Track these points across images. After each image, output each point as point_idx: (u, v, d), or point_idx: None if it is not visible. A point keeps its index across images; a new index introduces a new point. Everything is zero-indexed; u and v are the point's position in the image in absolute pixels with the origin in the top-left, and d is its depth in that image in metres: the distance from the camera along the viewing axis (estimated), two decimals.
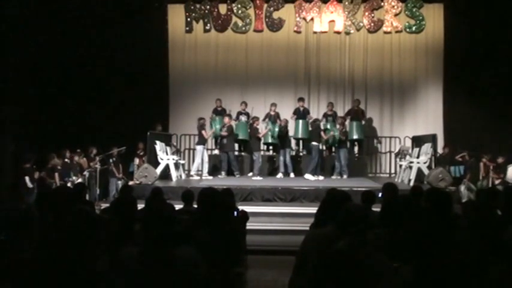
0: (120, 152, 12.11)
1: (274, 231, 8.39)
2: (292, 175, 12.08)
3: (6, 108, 11.19)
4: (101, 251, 3.07)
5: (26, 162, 10.04)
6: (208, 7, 14.33)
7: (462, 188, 11.54)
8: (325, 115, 12.92)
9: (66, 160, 11.01)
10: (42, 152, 10.80)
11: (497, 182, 10.91)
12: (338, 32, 14.26)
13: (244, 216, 5.43)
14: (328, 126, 12.34)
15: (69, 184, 10.19)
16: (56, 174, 10.52)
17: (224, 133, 11.83)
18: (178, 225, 3.20)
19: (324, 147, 12.87)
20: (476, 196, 6.93)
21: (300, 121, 12.57)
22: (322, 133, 11.98)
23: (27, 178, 9.80)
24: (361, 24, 14.15)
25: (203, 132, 12.02)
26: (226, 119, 12.00)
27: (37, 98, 11.88)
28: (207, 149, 12.79)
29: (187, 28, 14.42)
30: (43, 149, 10.95)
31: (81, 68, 13.01)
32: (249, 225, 5.81)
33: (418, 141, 12.46)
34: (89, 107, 12.92)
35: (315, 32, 14.28)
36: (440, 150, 12.27)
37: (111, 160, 11.92)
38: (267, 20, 14.30)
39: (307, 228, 4.29)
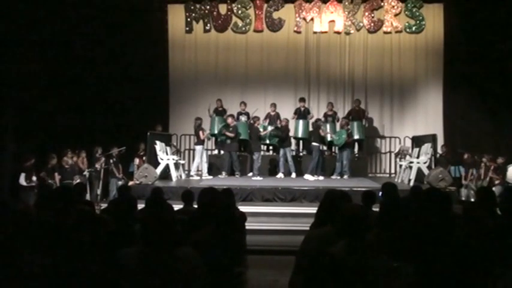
0: (121, 152, 12.11)
1: (274, 231, 8.39)
2: (293, 175, 12.06)
3: (8, 109, 11.22)
4: (100, 251, 3.07)
5: (25, 161, 10.03)
6: (208, 7, 14.34)
7: (465, 191, 11.51)
8: (326, 115, 12.93)
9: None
10: (42, 152, 10.79)
11: (497, 182, 10.90)
12: (338, 32, 14.27)
13: (243, 216, 5.43)
14: (328, 126, 12.35)
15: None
16: (56, 174, 10.52)
17: (230, 134, 11.77)
18: (177, 225, 3.20)
19: (325, 148, 12.87)
20: (476, 196, 6.93)
21: (301, 121, 12.58)
22: (320, 131, 11.94)
23: (22, 175, 9.77)
24: (361, 24, 14.16)
25: (200, 133, 12.02)
26: (230, 120, 11.94)
27: (38, 98, 11.87)
28: (206, 149, 12.79)
29: (187, 28, 14.43)
30: (43, 150, 10.94)
31: (82, 68, 13.00)
32: (249, 225, 5.81)
33: (418, 141, 12.47)
34: (89, 107, 12.92)
35: (315, 32, 14.29)
36: (439, 150, 12.27)
37: (111, 160, 11.92)
38: (267, 20, 14.31)
39: (307, 228, 4.28)
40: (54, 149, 10.96)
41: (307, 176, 11.55)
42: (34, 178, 9.96)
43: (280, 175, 12.04)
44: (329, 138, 12.14)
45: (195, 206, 5.07)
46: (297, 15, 14.28)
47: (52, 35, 12.32)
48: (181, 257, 2.88)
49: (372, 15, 14.19)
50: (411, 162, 11.53)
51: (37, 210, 4.16)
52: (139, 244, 2.95)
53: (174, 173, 11.63)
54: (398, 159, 12.81)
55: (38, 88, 11.96)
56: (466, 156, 12.07)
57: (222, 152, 12.71)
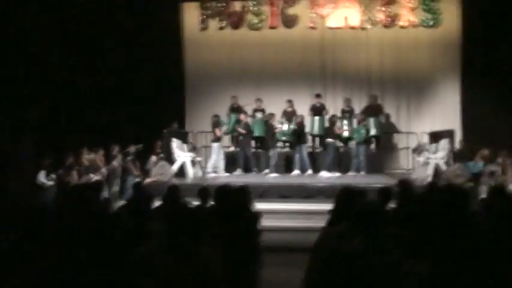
0: (138, 150, 12.19)
1: (290, 229, 8.38)
2: (310, 171, 12.01)
3: (28, 108, 11.36)
4: (116, 247, 3.11)
5: (44, 159, 10.17)
6: (223, 4, 14.35)
7: (483, 188, 11.32)
8: (343, 111, 12.86)
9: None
10: (59, 150, 10.91)
11: None
12: (354, 28, 14.15)
13: (257, 214, 5.43)
14: (345, 122, 12.27)
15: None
16: (74, 173, 10.62)
17: (241, 130, 11.84)
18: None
19: (341, 144, 12.80)
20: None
21: (316, 117, 12.52)
22: (335, 128, 11.89)
23: (42, 173, 9.91)
24: (377, 19, 14.02)
25: (216, 130, 12.07)
26: (242, 116, 12.01)
27: (56, 97, 12.01)
28: (223, 146, 12.83)
29: (203, 26, 14.46)
30: (60, 148, 11.06)
31: (99, 66, 13.11)
32: (264, 223, 5.80)
33: (435, 137, 12.33)
34: (106, 105, 13.03)
35: (330, 28, 14.20)
36: (457, 145, 12.12)
37: (128, 158, 12.01)
38: (282, 16, 14.26)
39: (323, 225, 4.27)
40: (71, 147, 11.08)
41: (323, 173, 11.52)
42: (53, 176, 10.09)
43: (296, 172, 12.01)
44: (346, 134, 12.06)
45: (212, 203, 5.09)
46: (312, 10, 14.20)
47: (70, 34, 12.44)
48: (202, 256, 2.90)
49: (389, 9, 14.02)
50: (428, 158, 11.41)
51: (56, 208, 4.23)
52: (162, 241, 2.95)
53: (190, 170, 11.69)
54: (415, 155, 12.68)
55: (55, 86, 12.10)
56: (485, 152, 11.87)
57: (237, 148, 12.75)
